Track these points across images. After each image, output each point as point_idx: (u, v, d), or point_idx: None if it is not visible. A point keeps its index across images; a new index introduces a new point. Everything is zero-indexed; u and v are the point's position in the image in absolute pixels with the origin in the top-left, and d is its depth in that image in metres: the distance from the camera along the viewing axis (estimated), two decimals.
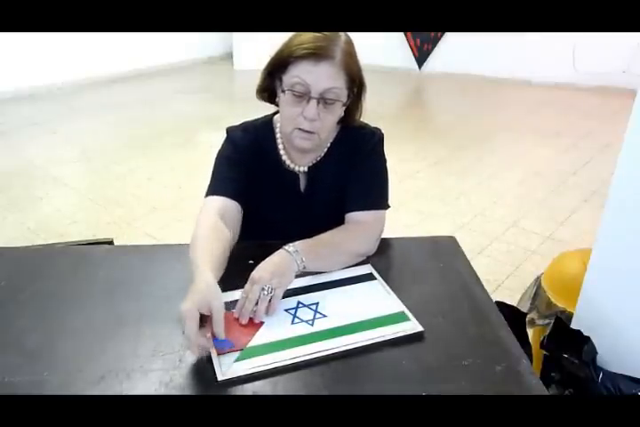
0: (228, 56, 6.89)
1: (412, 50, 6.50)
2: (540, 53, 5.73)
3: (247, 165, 1.17)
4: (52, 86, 5.49)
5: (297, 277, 1.05)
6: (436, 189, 3.40)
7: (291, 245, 1.03)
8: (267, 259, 1.01)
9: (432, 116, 5.40)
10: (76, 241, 1.45)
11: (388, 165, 1.22)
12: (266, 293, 0.94)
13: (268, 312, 0.94)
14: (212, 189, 1.14)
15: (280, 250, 1.03)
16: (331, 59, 1.02)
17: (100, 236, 1.65)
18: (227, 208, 1.11)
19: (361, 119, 1.23)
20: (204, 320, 0.85)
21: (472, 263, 1.15)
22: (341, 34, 1.07)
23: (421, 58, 6.50)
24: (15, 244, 1.92)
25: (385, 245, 1.18)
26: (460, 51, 6.15)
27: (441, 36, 6.28)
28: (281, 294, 0.96)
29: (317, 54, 1.01)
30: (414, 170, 3.65)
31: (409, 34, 6.36)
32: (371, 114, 1.22)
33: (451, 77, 6.23)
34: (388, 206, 1.20)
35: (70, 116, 4.82)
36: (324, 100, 1.05)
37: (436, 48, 6.39)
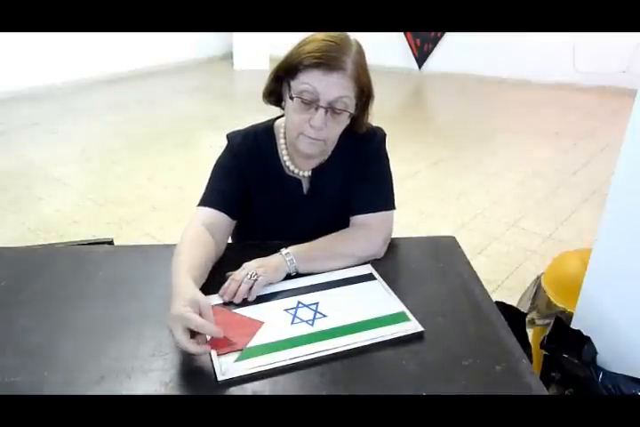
0: (228, 56, 6.89)
1: (411, 50, 6.50)
2: (540, 53, 5.73)
3: (244, 171, 1.17)
4: (52, 86, 5.49)
5: (297, 277, 1.06)
6: (436, 189, 3.40)
7: (284, 248, 1.06)
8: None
9: (432, 117, 5.39)
10: (76, 241, 1.45)
11: None
12: (249, 276, 0.99)
13: (249, 297, 0.98)
14: (203, 200, 1.15)
15: (275, 253, 1.07)
16: (342, 70, 1.00)
17: (100, 236, 1.65)
18: (213, 219, 1.11)
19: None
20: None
21: (472, 263, 1.15)
22: (353, 42, 1.04)
23: (421, 58, 6.50)
24: (15, 244, 1.92)
25: None
26: (460, 51, 6.15)
27: (441, 36, 6.28)
28: (263, 283, 1.00)
29: (328, 65, 0.99)
30: (414, 170, 3.65)
31: (409, 34, 6.36)
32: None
33: (451, 77, 6.23)
34: (394, 207, 1.19)
35: (70, 116, 4.82)
36: (332, 110, 1.03)
37: (435, 48, 6.39)
